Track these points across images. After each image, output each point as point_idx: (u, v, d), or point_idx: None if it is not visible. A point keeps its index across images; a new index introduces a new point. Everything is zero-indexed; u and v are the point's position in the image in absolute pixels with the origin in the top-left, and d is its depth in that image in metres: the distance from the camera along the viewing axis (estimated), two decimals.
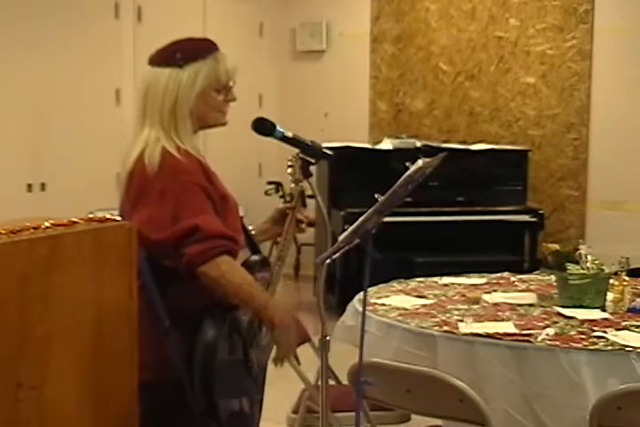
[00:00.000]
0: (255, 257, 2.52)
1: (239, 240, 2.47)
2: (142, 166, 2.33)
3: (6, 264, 1.81)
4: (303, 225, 2.65)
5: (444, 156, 2.46)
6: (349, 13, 7.84)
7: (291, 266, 7.70)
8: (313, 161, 2.53)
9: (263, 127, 2.50)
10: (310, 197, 2.61)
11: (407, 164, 2.34)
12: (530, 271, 4.34)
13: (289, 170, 2.55)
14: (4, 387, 1.81)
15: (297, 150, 2.54)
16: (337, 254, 2.41)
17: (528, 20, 7.19)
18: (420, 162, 2.29)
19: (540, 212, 6.63)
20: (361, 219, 2.33)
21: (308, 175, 2.54)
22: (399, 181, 2.28)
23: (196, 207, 2.29)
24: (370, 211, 2.31)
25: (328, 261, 2.41)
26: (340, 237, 2.37)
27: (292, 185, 2.58)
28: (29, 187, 5.89)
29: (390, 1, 7.63)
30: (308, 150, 2.52)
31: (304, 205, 2.61)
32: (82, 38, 6.18)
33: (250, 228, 2.69)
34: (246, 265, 2.45)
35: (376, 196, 2.32)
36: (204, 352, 2.27)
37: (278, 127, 2.51)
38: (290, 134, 2.51)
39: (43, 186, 5.96)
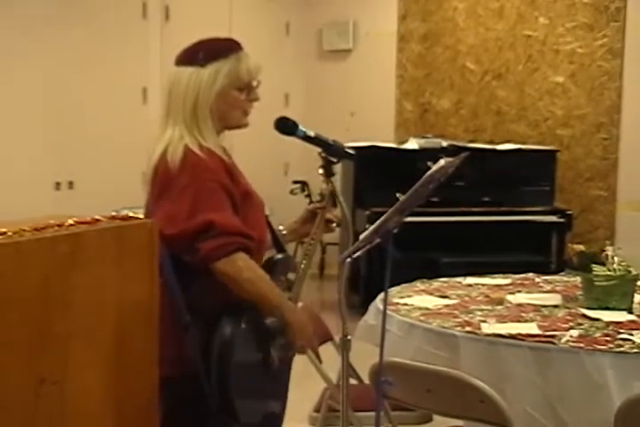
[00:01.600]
0: (279, 256, 2.53)
1: (263, 238, 2.48)
2: (165, 164, 2.36)
3: (29, 261, 1.82)
4: (333, 225, 2.66)
5: (465, 155, 2.45)
6: (376, 13, 7.83)
7: (316, 265, 7.70)
8: (335, 160, 2.53)
9: (285, 126, 2.51)
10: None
11: (429, 163, 2.32)
12: (557, 272, 4.31)
13: (320, 170, 2.56)
14: (26, 382, 1.82)
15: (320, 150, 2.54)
16: (357, 253, 2.40)
17: (557, 18, 7.14)
18: (441, 161, 2.28)
19: (568, 212, 6.58)
20: (382, 218, 2.33)
21: (330, 175, 2.54)
22: (420, 181, 2.28)
23: (214, 204, 2.31)
24: (390, 210, 2.31)
25: (349, 259, 2.41)
26: (361, 237, 2.37)
27: (324, 185, 2.58)
28: (57, 185, 5.94)
29: (417, 0, 7.61)
30: (330, 150, 2.53)
31: (335, 204, 2.62)
32: (110, 38, 6.23)
33: (280, 227, 2.70)
34: (270, 264, 2.46)
35: (397, 195, 2.31)
36: (220, 349, 2.28)
37: (300, 126, 2.51)
38: (312, 134, 2.52)
39: (70, 184, 6.01)
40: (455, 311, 3.11)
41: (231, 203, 2.35)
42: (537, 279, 3.77)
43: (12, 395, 1.79)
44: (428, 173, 2.29)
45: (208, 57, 2.41)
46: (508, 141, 7.08)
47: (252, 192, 2.48)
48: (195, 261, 2.29)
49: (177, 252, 2.29)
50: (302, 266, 2.58)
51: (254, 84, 2.49)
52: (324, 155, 2.53)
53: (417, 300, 3.30)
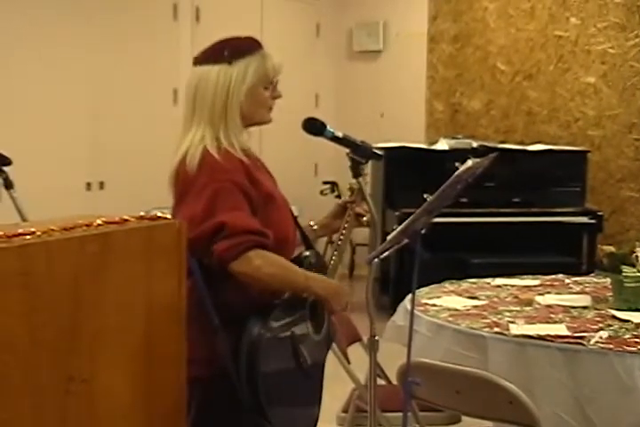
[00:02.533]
0: (307, 253, 2.53)
1: (289, 237, 2.48)
2: (184, 167, 2.36)
3: (58, 261, 1.83)
4: (364, 218, 2.66)
5: (494, 156, 2.44)
6: (406, 13, 7.82)
7: (345, 266, 7.70)
8: (363, 161, 2.54)
9: (313, 127, 2.51)
10: None
11: (457, 164, 2.31)
12: (588, 274, 4.28)
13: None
14: (56, 380, 1.84)
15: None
16: (384, 254, 2.40)
17: (589, 18, 7.09)
18: (469, 162, 2.28)
19: (599, 213, 6.54)
20: (409, 219, 2.33)
21: (358, 175, 2.55)
22: (447, 182, 2.28)
23: (229, 205, 2.30)
24: (418, 211, 2.31)
25: (376, 260, 2.41)
26: (389, 237, 2.37)
27: (353, 180, 2.59)
28: (88, 185, 5.98)
29: (448, 0, 7.59)
30: (358, 150, 2.53)
31: (364, 199, 2.62)
32: (141, 39, 6.26)
33: (311, 223, 2.71)
34: (298, 261, 2.46)
35: (425, 196, 2.31)
36: (248, 347, 2.28)
37: (328, 127, 2.51)
38: (340, 134, 2.52)
39: (101, 185, 6.05)
40: (484, 312, 3.11)
41: (248, 203, 2.34)
42: (566, 280, 3.76)
43: (42, 392, 1.81)
44: (456, 173, 2.28)
45: (234, 54, 2.41)
46: (538, 142, 7.04)
47: (276, 192, 2.47)
48: (213, 263, 2.29)
49: (197, 255, 2.29)
50: (332, 262, 2.59)
51: (276, 80, 2.50)
52: (352, 155, 2.53)
53: (446, 301, 3.30)
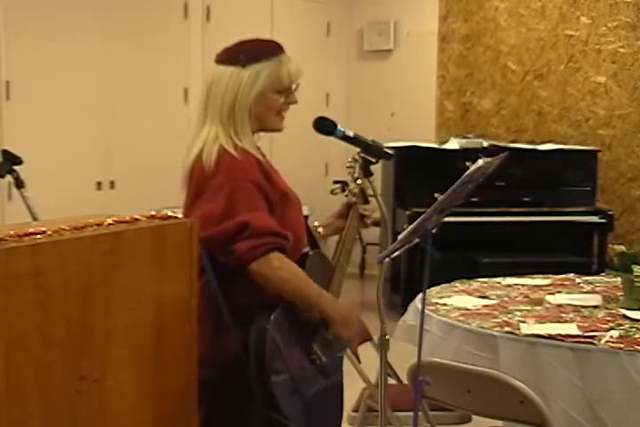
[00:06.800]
0: (311, 253, 2.53)
1: (300, 237, 2.48)
2: (200, 164, 2.37)
3: (69, 260, 1.84)
4: (369, 220, 2.66)
5: (504, 155, 2.44)
6: (417, 13, 7.82)
7: (356, 265, 7.70)
8: (374, 160, 2.54)
9: (324, 126, 2.52)
10: (371, 196, 2.62)
11: (467, 163, 2.31)
12: (598, 273, 4.27)
13: (349, 170, 2.59)
14: (66, 380, 1.85)
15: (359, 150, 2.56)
16: (395, 254, 2.40)
17: (600, 17, 7.07)
18: (480, 161, 2.27)
19: (610, 213, 6.52)
20: (420, 218, 2.33)
21: (368, 175, 2.55)
22: (458, 181, 2.27)
23: (249, 204, 2.31)
24: (429, 210, 2.30)
25: (386, 260, 2.41)
26: (400, 237, 2.37)
27: (352, 184, 2.60)
28: (99, 185, 5.99)
29: (459, 0, 7.58)
30: (368, 150, 2.54)
31: (367, 201, 2.63)
32: (151, 38, 6.28)
33: (315, 223, 2.71)
34: (303, 260, 2.46)
35: (436, 195, 2.31)
36: (257, 337, 2.28)
37: (339, 126, 2.52)
38: (351, 133, 2.53)
39: (112, 184, 6.06)
40: (494, 312, 3.11)
41: (266, 202, 2.35)
42: (577, 280, 3.75)
43: (53, 391, 1.82)
44: (466, 173, 2.28)
45: (250, 58, 2.41)
46: (549, 142, 7.03)
47: (289, 191, 2.48)
48: (231, 262, 2.29)
49: (213, 253, 2.29)
50: (338, 262, 2.58)
51: (294, 87, 2.49)
52: (362, 155, 2.54)
53: (456, 300, 3.29)
